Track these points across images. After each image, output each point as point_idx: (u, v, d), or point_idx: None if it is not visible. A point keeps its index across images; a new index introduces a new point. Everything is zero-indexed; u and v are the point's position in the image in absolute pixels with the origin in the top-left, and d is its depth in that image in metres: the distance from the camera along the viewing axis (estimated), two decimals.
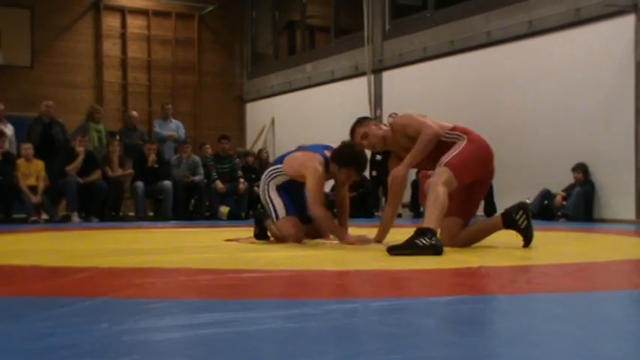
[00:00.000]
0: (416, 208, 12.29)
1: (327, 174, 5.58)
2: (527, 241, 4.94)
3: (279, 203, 5.65)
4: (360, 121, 5.44)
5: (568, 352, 1.85)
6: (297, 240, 5.53)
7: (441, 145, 4.91)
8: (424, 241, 4.34)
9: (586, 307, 2.60)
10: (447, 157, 4.79)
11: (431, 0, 13.08)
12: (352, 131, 5.43)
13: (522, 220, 4.95)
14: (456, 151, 4.82)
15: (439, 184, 4.66)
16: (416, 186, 12.12)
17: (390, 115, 5.20)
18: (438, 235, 4.58)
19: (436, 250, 4.32)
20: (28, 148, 10.95)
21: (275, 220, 5.63)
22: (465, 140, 4.90)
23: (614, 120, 10.01)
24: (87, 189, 10.95)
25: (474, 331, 2.15)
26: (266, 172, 5.84)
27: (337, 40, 15.60)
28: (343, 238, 5.45)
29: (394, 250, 4.37)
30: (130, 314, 2.37)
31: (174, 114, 14.46)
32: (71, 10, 16.34)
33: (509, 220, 4.97)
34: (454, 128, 5.02)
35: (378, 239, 5.38)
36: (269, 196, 5.69)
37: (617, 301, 2.75)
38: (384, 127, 5.37)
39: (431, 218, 4.52)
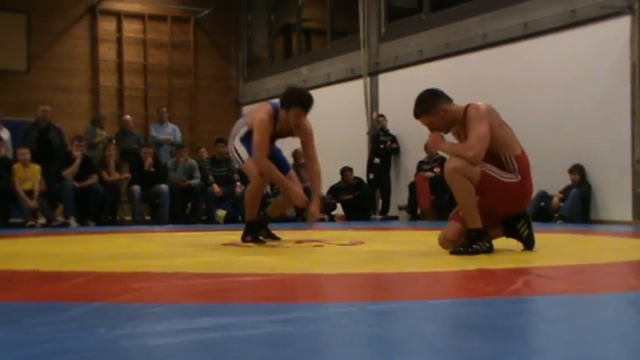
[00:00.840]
0: (413, 211, 12.29)
1: (277, 123, 5.80)
2: (529, 248, 4.94)
3: (243, 151, 5.92)
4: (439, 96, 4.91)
5: (566, 355, 1.85)
6: (258, 175, 5.80)
7: (496, 160, 4.78)
8: (484, 246, 4.61)
9: (584, 310, 2.60)
10: (487, 169, 4.67)
11: (426, 2, 13.09)
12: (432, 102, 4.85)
13: (523, 229, 4.97)
14: (498, 177, 4.70)
15: (460, 175, 4.59)
16: (413, 187, 12.13)
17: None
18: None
19: (490, 251, 4.62)
20: (25, 152, 10.95)
21: (242, 164, 5.98)
22: (516, 178, 4.78)
23: (611, 121, 10.02)
24: (83, 193, 10.94)
25: (471, 334, 2.15)
26: (232, 130, 6.18)
27: (333, 43, 15.60)
28: (289, 189, 5.82)
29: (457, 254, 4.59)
30: (127, 319, 2.36)
31: (170, 118, 14.48)
32: (67, 14, 16.34)
33: (510, 229, 4.98)
34: (519, 157, 4.86)
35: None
36: (234, 147, 6.01)
37: (614, 304, 2.75)
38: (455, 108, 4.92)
39: (474, 218, 4.64)
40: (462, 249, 4.61)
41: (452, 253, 4.60)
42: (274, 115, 5.78)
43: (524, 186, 4.86)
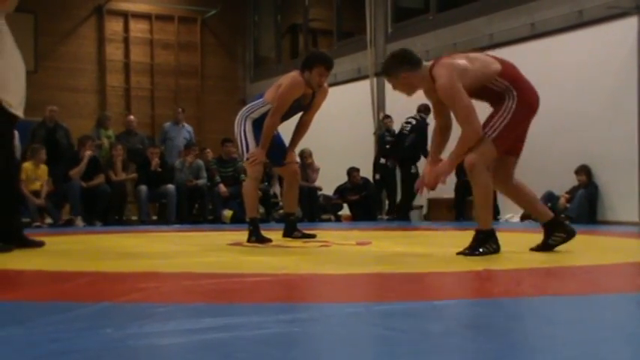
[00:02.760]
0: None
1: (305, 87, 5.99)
2: (543, 249, 4.93)
3: (251, 141, 6.02)
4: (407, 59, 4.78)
5: (573, 356, 1.85)
6: (260, 174, 6.09)
7: (487, 91, 4.71)
8: (491, 247, 4.63)
9: (591, 311, 2.59)
10: (493, 130, 4.62)
11: (433, 3, 13.08)
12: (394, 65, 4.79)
13: (558, 239, 4.94)
14: (504, 121, 4.64)
15: (481, 168, 4.59)
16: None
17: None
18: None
19: (497, 252, 4.63)
20: (42, 152, 10.93)
21: (246, 152, 6.04)
22: (514, 101, 4.68)
23: (618, 122, 10.00)
24: (90, 193, 10.96)
25: (478, 335, 2.15)
26: (244, 109, 6.24)
27: (340, 43, 15.60)
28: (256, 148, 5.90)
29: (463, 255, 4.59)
30: (133, 319, 2.36)
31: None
32: (74, 14, 16.37)
33: (556, 224, 4.98)
34: (503, 73, 4.71)
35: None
36: (244, 131, 6.07)
37: (622, 304, 2.74)
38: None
39: (487, 219, 4.69)
40: (468, 251, 4.61)
41: (458, 254, 4.60)
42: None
43: (525, 96, 4.76)
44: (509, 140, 4.73)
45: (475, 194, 4.68)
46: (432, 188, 4.79)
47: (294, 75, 6.03)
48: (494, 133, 4.63)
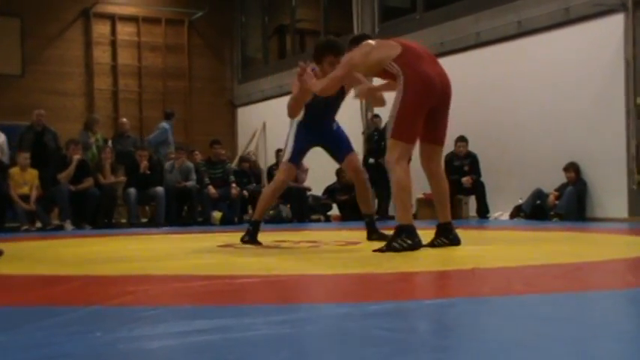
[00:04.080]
0: None
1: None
2: (429, 245, 5.05)
3: (289, 148, 5.91)
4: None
5: (563, 354, 1.85)
6: (282, 184, 5.95)
7: (388, 74, 5.02)
8: (402, 244, 4.64)
9: (581, 308, 2.60)
10: (390, 124, 4.88)
11: (420, 2, 13.10)
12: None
13: (440, 243, 5.07)
14: (397, 110, 4.84)
15: (395, 166, 4.81)
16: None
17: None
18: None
19: (413, 249, 4.64)
20: (25, 157, 10.92)
21: (285, 159, 5.99)
22: (401, 88, 4.85)
23: (605, 119, 10.04)
24: (79, 196, 10.93)
25: (469, 334, 2.15)
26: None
27: None
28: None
29: (378, 252, 4.68)
30: (124, 322, 2.36)
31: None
32: (61, 17, 16.32)
33: (445, 230, 5.11)
34: (396, 58, 4.93)
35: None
36: (288, 135, 5.97)
37: (612, 301, 2.75)
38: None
39: (402, 213, 4.78)
40: (384, 247, 4.71)
41: (374, 251, 4.71)
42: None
43: (411, 81, 4.86)
44: (413, 127, 4.88)
45: (392, 188, 4.86)
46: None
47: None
48: (391, 125, 4.87)
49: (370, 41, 5.13)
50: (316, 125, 5.94)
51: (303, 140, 5.93)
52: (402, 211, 4.78)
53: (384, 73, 5.06)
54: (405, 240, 4.64)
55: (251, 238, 5.90)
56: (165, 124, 14.06)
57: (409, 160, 5.07)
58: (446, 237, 5.07)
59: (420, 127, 4.95)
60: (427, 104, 4.91)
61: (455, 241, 5.07)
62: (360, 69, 5.13)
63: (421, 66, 4.93)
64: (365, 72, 5.23)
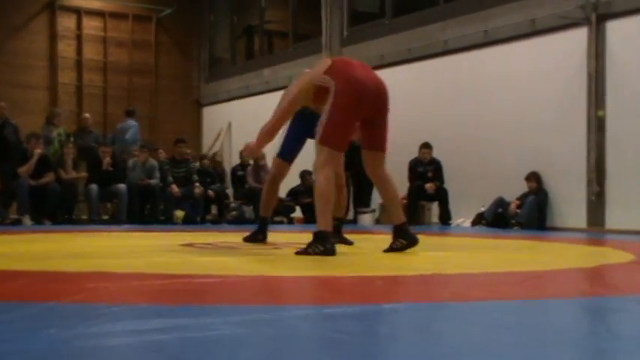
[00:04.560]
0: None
1: None
2: (389, 250, 5.06)
3: (278, 142, 5.86)
4: None
5: None
6: (273, 177, 5.96)
7: (322, 91, 4.94)
8: (317, 249, 4.65)
9: (537, 315, 2.63)
10: (319, 131, 4.86)
11: (389, 8, 13.16)
12: None
13: (399, 245, 5.05)
14: (326, 117, 4.82)
15: (318, 173, 4.85)
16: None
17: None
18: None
19: (328, 255, 4.62)
20: None
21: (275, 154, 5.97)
22: (332, 88, 4.84)
23: (567, 130, 10.16)
24: (39, 192, 10.80)
25: (426, 339, 2.16)
26: None
27: (295, 45, 15.61)
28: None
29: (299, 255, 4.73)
30: (80, 319, 2.33)
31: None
32: (25, 10, 16.14)
33: (401, 231, 5.07)
34: (327, 70, 4.93)
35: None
36: (286, 127, 5.85)
37: (567, 309, 2.78)
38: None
39: (321, 220, 4.78)
40: (301, 250, 4.75)
41: (296, 253, 4.75)
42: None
43: (340, 86, 4.84)
44: (342, 133, 4.88)
45: (314, 193, 4.87)
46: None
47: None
48: (320, 132, 4.85)
49: (307, 69, 5.24)
50: (306, 123, 5.82)
51: (294, 135, 5.86)
52: (319, 217, 4.80)
53: (318, 92, 4.97)
54: (318, 246, 4.66)
55: (263, 236, 6.06)
56: (133, 122, 13.96)
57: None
58: (403, 238, 5.04)
59: (349, 134, 4.96)
60: (359, 110, 4.88)
61: (413, 241, 5.03)
62: (302, 95, 5.09)
63: (352, 72, 4.92)
64: (305, 97, 5.10)
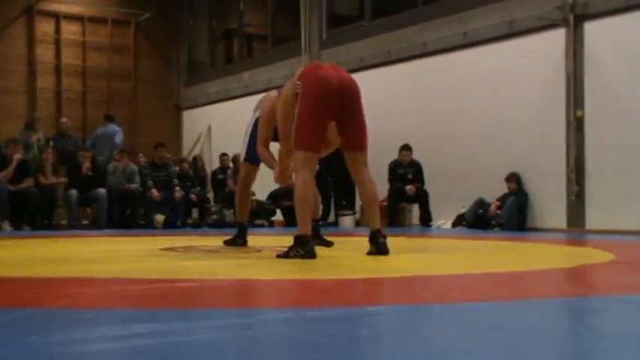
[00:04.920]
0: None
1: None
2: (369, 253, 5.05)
3: (244, 147, 5.94)
4: None
5: None
6: (244, 181, 6.02)
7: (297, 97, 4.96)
8: (297, 252, 4.67)
9: (518, 316, 2.64)
10: (293, 134, 4.89)
11: (368, 10, 13.18)
12: None
13: (372, 251, 5.02)
14: (296, 120, 4.85)
15: (297, 176, 4.87)
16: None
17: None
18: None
19: (309, 258, 4.63)
20: None
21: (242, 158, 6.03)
22: (300, 92, 4.87)
23: (546, 131, 10.22)
24: (18, 197, 10.73)
25: (408, 341, 2.17)
26: (254, 107, 6.04)
27: (275, 48, 15.60)
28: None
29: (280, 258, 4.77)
30: (61, 325, 2.32)
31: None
32: (3, 14, 16.03)
33: (372, 238, 5.03)
34: (300, 76, 4.98)
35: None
36: (246, 134, 5.95)
37: (548, 310, 2.80)
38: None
39: (301, 224, 4.80)
40: (282, 253, 4.78)
41: (277, 256, 4.79)
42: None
43: (306, 89, 4.86)
44: (313, 134, 4.86)
45: (295, 197, 4.89)
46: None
47: (266, 104, 5.88)
48: (294, 135, 4.87)
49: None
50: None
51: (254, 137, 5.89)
52: (299, 221, 4.82)
53: (296, 98, 4.97)
54: (298, 250, 4.69)
55: (243, 240, 6.06)
56: (116, 127, 13.87)
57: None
58: (375, 245, 4.98)
59: (321, 134, 4.91)
60: (325, 108, 4.84)
61: (381, 250, 4.94)
62: (289, 108, 5.03)
63: (317, 72, 4.93)
64: (292, 106, 5.02)
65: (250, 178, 6.09)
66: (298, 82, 4.91)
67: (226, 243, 6.09)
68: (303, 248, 4.68)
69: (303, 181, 4.81)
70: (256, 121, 5.87)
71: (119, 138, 13.70)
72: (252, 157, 5.91)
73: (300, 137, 4.82)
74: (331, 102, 4.83)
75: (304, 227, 4.77)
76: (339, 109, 4.88)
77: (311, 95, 4.81)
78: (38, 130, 12.63)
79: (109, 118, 14.11)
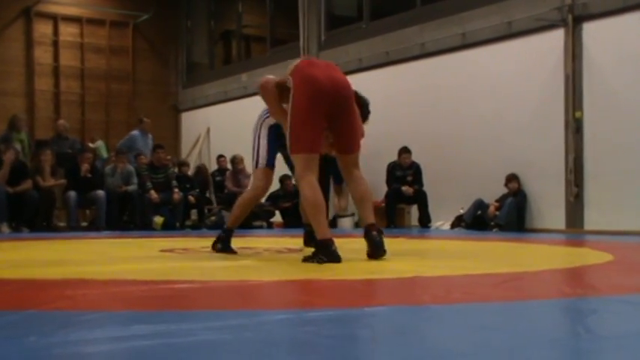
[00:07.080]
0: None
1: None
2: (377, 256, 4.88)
3: (263, 152, 5.49)
4: None
5: None
6: (262, 191, 5.66)
7: (287, 91, 4.83)
8: (321, 260, 4.49)
9: (518, 317, 2.64)
10: (288, 140, 4.78)
11: (366, 11, 13.19)
12: None
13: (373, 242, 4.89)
14: (289, 123, 4.73)
15: (301, 182, 4.75)
16: None
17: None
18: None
19: (334, 262, 4.47)
20: None
21: (255, 167, 5.55)
22: (292, 88, 4.76)
23: (545, 132, 10.22)
24: (17, 199, 10.72)
25: (407, 342, 2.17)
26: (260, 113, 5.60)
27: (273, 50, 15.60)
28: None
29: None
30: (60, 327, 2.32)
31: (108, 123, 14.31)
32: (0, 16, 16.03)
33: (365, 236, 4.91)
34: (292, 72, 4.84)
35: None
36: (258, 139, 5.51)
37: (547, 311, 2.80)
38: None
39: (318, 229, 4.65)
40: (306, 258, 4.62)
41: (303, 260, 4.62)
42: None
43: (297, 88, 4.75)
44: (309, 135, 4.73)
45: (305, 205, 4.80)
46: None
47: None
48: (289, 140, 4.76)
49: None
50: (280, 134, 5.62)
51: (275, 143, 5.54)
52: (315, 226, 4.67)
53: (282, 92, 4.90)
54: (321, 257, 4.52)
55: (224, 246, 5.59)
56: (134, 132, 13.78)
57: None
58: (369, 240, 4.84)
59: (317, 133, 4.76)
60: (318, 108, 4.73)
61: (375, 248, 4.79)
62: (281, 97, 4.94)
63: (309, 70, 4.80)
64: (282, 98, 4.96)
65: (269, 184, 5.73)
66: (289, 77, 4.81)
67: (218, 250, 5.81)
68: (325, 254, 4.54)
69: (309, 185, 4.69)
70: (264, 122, 5.63)
71: (122, 140, 13.67)
72: (270, 160, 5.58)
73: (298, 140, 4.71)
74: (321, 102, 4.72)
75: (322, 232, 4.62)
76: (329, 110, 4.76)
77: (300, 93, 4.72)
78: (21, 130, 12.50)
79: (141, 122, 13.93)
